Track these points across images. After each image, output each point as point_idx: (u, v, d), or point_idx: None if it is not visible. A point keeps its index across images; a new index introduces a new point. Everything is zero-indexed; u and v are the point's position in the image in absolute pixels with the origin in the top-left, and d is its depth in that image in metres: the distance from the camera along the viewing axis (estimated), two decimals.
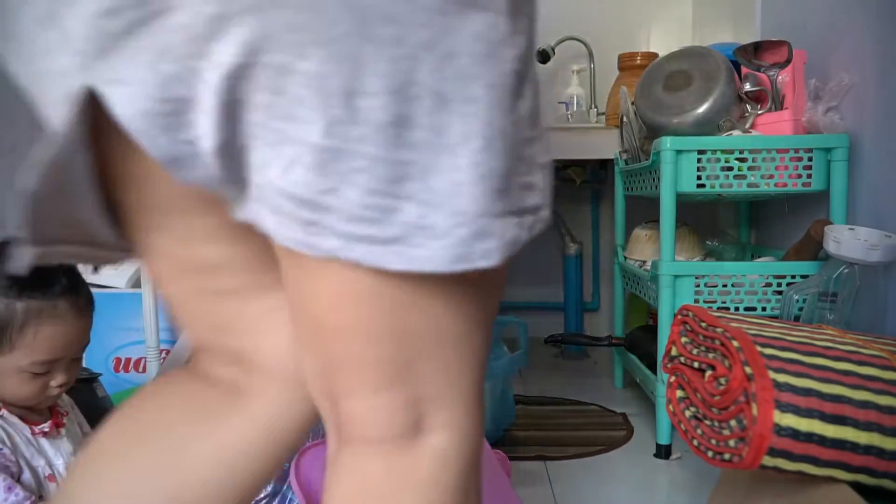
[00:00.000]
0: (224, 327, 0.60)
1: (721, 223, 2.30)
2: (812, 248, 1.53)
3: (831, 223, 1.47)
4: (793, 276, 1.52)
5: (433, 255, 0.42)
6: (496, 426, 1.68)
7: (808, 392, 0.76)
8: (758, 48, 1.63)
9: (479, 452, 0.54)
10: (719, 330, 0.87)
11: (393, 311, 0.47)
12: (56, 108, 0.46)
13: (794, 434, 0.75)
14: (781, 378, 0.77)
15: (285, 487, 1.06)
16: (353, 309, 0.47)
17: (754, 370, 0.78)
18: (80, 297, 0.94)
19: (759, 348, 0.80)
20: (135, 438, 0.64)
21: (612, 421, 1.85)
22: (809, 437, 0.75)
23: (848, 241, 1.33)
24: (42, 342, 0.90)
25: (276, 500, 1.07)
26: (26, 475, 0.90)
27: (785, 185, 1.54)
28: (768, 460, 0.77)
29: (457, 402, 0.51)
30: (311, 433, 1.12)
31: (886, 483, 0.78)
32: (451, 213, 0.42)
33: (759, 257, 1.82)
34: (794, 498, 0.83)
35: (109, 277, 1.67)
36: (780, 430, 0.75)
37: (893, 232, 1.33)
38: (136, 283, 1.62)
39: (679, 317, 0.97)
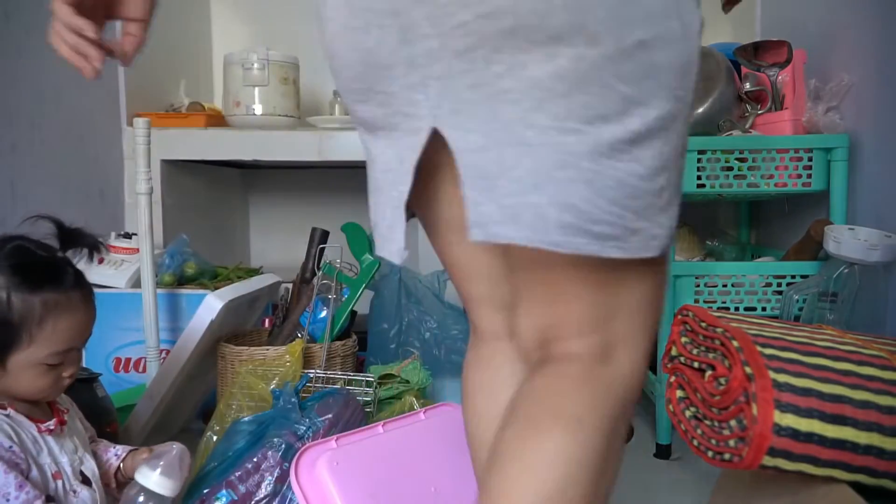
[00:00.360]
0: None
1: (721, 223, 2.30)
2: (812, 248, 1.53)
3: (831, 223, 1.47)
4: (793, 276, 1.52)
5: (658, 246, 0.65)
6: None
7: (808, 392, 0.77)
8: (758, 48, 1.63)
9: (639, 390, 0.72)
10: (719, 330, 0.87)
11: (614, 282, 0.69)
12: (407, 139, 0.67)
13: (794, 434, 0.76)
14: (781, 378, 0.77)
15: (285, 488, 1.06)
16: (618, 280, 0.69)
17: (754, 370, 0.79)
18: (84, 286, 0.97)
19: (758, 348, 0.81)
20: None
21: None
22: (809, 437, 0.76)
23: (848, 241, 1.33)
24: (60, 333, 0.92)
25: (277, 500, 1.07)
26: (34, 473, 0.90)
27: (785, 185, 1.54)
28: (768, 460, 0.78)
29: (639, 346, 0.71)
30: (311, 434, 1.12)
31: (886, 483, 0.78)
32: (668, 229, 0.65)
33: (759, 257, 1.82)
34: (795, 498, 0.83)
35: (109, 277, 1.67)
36: (780, 430, 0.76)
37: (893, 232, 1.33)
38: (136, 283, 1.62)
39: (679, 317, 0.96)
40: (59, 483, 0.93)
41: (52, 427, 0.94)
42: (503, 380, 0.81)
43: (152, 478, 0.94)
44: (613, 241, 0.62)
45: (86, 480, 0.97)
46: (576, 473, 0.64)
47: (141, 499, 0.94)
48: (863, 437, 0.76)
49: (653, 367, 1.69)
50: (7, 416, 0.91)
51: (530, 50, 0.59)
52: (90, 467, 0.98)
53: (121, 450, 1.06)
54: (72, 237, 0.97)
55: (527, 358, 0.76)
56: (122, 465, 1.04)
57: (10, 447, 0.88)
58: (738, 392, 0.80)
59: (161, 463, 0.96)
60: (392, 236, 0.70)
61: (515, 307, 0.76)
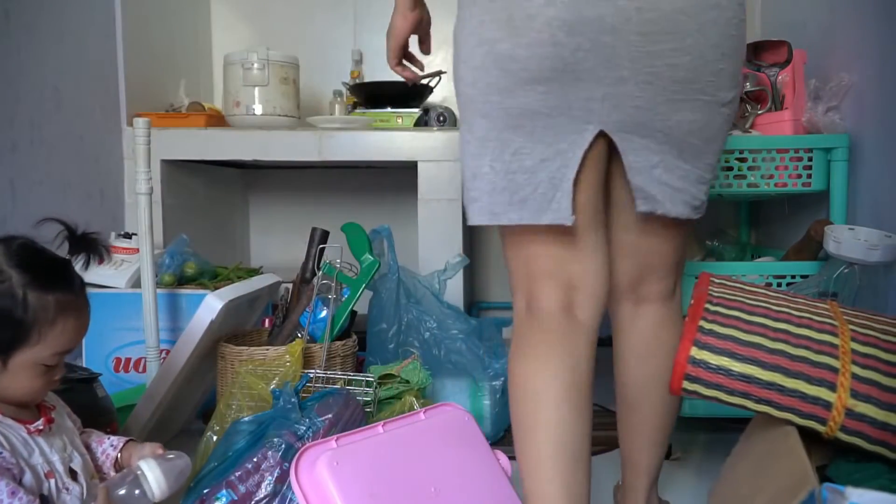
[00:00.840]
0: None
1: (721, 223, 2.30)
2: (812, 248, 1.53)
3: (831, 223, 1.47)
4: (793, 276, 1.52)
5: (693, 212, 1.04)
6: (496, 426, 1.68)
7: (727, 338, 0.98)
8: (758, 48, 1.63)
9: None
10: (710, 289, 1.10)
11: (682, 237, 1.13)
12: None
13: (706, 366, 0.97)
14: (708, 326, 1.00)
15: (285, 488, 1.07)
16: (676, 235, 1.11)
17: (687, 319, 1.02)
18: (84, 290, 0.98)
19: (708, 305, 1.03)
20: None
21: (613, 421, 1.85)
22: (718, 370, 0.97)
23: (848, 241, 1.33)
24: (66, 334, 0.93)
25: (276, 500, 1.07)
26: (27, 476, 0.90)
27: (785, 185, 1.54)
28: (688, 384, 0.98)
29: (681, 279, 1.18)
30: (311, 434, 1.12)
31: (790, 417, 0.94)
32: (705, 194, 1.05)
33: (759, 257, 1.82)
34: (771, 478, 0.88)
35: (109, 277, 1.67)
36: (695, 362, 0.97)
37: (893, 232, 1.33)
38: (136, 283, 1.62)
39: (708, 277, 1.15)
40: (52, 482, 0.92)
41: (40, 427, 0.94)
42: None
43: (154, 472, 0.95)
44: (699, 211, 1.05)
45: (73, 474, 0.97)
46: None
47: (128, 488, 0.95)
48: (766, 375, 0.95)
49: None
50: None
51: (686, 95, 0.95)
52: (78, 462, 0.98)
53: (116, 440, 1.07)
54: (81, 242, 0.97)
55: (619, 297, 1.15)
56: (119, 455, 1.05)
57: (1, 453, 0.87)
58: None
59: (164, 464, 0.96)
60: (560, 205, 0.95)
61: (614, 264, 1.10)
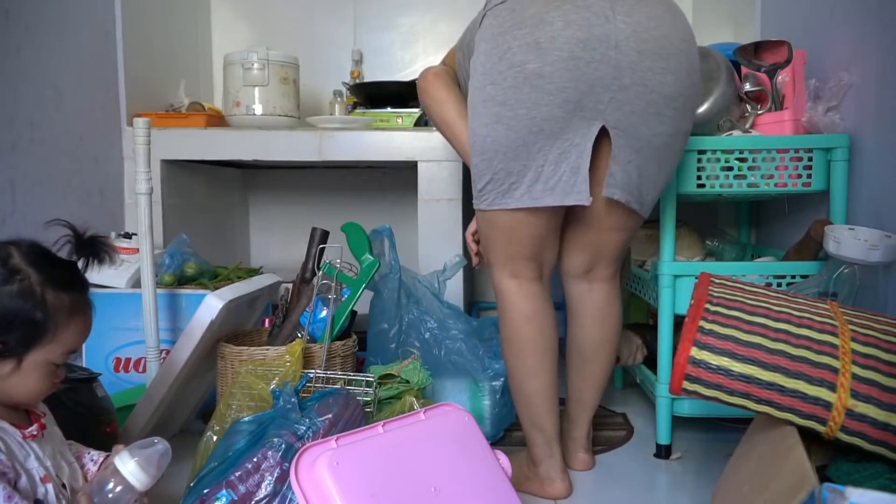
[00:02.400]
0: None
1: (721, 223, 2.30)
2: (812, 248, 1.53)
3: (831, 223, 1.47)
4: (793, 276, 1.52)
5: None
6: (496, 426, 1.68)
7: (727, 338, 0.99)
8: (758, 48, 1.63)
9: None
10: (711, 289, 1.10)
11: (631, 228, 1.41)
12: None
13: (707, 366, 0.98)
14: (709, 326, 1.01)
15: (285, 488, 1.06)
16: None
17: (687, 320, 1.03)
18: (89, 291, 0.99)
19: (708, 306, 1.04)
20: None
21: (612, 421, 1.85)
22: (718, 370, 0.97)
23: (848, 241, 1.33)
24: (78, 334, 0.94)
25: (277, 500, 1.07)
26: (23, 480, 0.89)
27: (785, 185, 1.54)
28: (688, 385, 0.99)
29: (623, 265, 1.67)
30: (311, 434, 1.12)
31: (791, 417, 0.95)
32: (654, 199, 1.36)
33: (759, 257, 1.82)
34: (770, 481, 0.88)
35: (109, 277, 1.67)
36: (695, 362, 0.98)
37: (893, 232, 1.33)
38: (136, 284, 1.62)
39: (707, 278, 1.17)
40: (49, 486, 0.92)
41: (34, 432, 0.94)
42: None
43: (128, 466, 0.94)
44: (647, 210, 1.35)
45: (63, 484, 0.96)
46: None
47: (110, 485, 0.94)
48: (766, 375, 0.95)
49: (653, 367, 1.69)
50: None
51: (667, 112, 1.24)
52: (65, 472, 0.98)
53: (96, 455, 1.06)
54: (87, 245, 0.97)
55: (577, 278, 1.47)
56: (98, 470, 1.04)
57: None
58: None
59: (140, 453, 0.96)
60: (581, 188, 1.23)
61: (566, 253, 1.45)
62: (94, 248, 0.97)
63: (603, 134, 1.23)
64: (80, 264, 0.98)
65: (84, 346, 1.68)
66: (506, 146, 1.24)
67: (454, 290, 2.16)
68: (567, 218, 1.38)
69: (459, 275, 2.16)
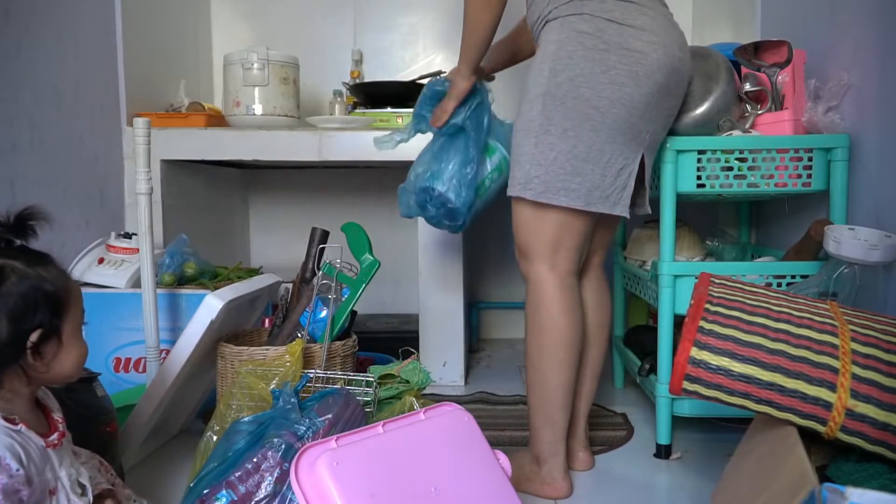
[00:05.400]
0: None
1: (721, 223, 2.30)
2: (812, 248, 1.53)
3: (831, 223, 1.47)
4: (793, 276, 1.52)
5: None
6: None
7: (727, 338, 0.99)
8: (758, 48, 1.63)
9: None
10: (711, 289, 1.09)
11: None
12: None
13: (707, 366, 0.98)
14: (709, 326, 1.00)
15: (285, 488, 1.06)
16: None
17: (687, 320, 1.03)
18: None
19: (708, 306, 1.03)
20: None
21: (612, 421, 1.85)
22: (718, 370, 0.97)
23: (848, 241, 1.33)
24: (78, 292, 1.00)
25: (277, 500, 1.07)
26: (37, 494, 0.89)
27: (785, 185, 1.54)
28: (688, 385, 0.99)
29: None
30: (311, 434, 1.12)
31: (791, 417, 0.95)
32: None
33: (759, 257, 1.82)
34: (769, 483, 0.88)
35: (109, 277, 1.67)
36: (695, 362, 0.98)
37: (893, 232, 1.33)
38: (136, 284, 1.62)
39: (708, 278, 1.16)
40: (54, 499, 0.92)
41: (55, 442, 0.94)
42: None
43: None
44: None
45: (81, 488, 0.96)
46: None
47: None
48: (766, 375, 0.95)
49: (653, 367, 1.69)
50: (18, 432, 0.90)
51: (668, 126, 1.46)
52: (85, 476, 0.98)
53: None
54: (17, 228, 0.96)
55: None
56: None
57: (17, 470, 0.86)
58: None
59: None
60: (626, 202, 1.37)
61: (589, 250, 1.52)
62: (23, 228, 0.97)
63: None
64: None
65: None
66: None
67: (454, 289, 2.16)
68: None
69: (460, 274, 2.16)
